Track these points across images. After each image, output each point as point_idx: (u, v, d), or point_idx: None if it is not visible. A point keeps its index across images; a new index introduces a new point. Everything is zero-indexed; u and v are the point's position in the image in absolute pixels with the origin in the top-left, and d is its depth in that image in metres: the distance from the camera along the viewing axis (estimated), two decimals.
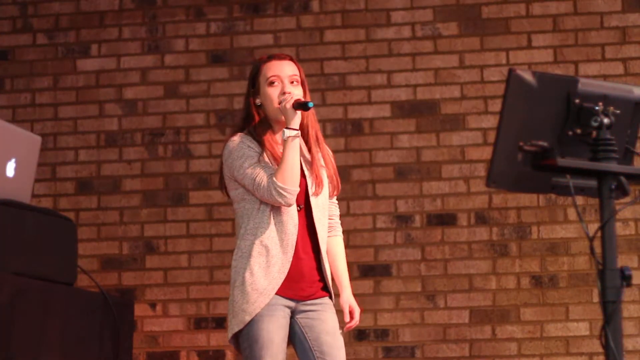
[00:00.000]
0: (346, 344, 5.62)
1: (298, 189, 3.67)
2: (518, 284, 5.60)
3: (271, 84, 3.76)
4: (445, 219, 5.69)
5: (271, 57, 3.83)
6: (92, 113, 6.02)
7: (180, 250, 5.85)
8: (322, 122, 5.79)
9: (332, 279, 3.88)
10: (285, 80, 3.76)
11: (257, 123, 3.79)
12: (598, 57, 5.72)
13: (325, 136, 5.73)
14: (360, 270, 5.66)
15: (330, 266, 3.87)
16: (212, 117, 5.92)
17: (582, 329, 5.53)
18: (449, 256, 5.65)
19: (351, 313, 3.83)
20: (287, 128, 3.66)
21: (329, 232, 3.89)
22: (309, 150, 3.82)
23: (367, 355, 5.61)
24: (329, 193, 3.85)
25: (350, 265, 5.66)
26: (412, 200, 5.72)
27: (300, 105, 3.68)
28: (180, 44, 6.01)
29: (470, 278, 5.62)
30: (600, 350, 3.59)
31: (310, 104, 3.68)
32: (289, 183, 3.63)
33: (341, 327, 3.83)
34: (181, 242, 5.86)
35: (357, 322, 3.86)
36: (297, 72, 3.80)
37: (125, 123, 5.98)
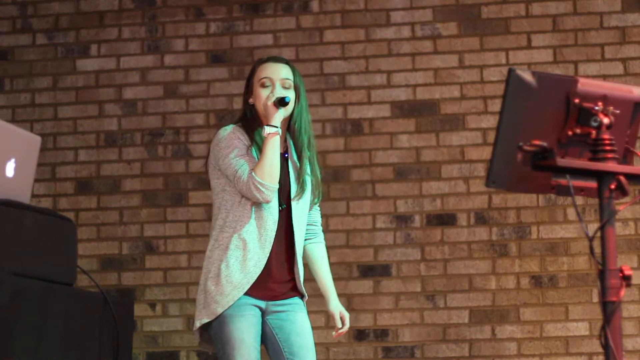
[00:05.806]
0: (346, 344, 5.64)
1: (276, 186, 3.69)
2: (518, 284, 5.60)
3: (262, 85, 3.81)
4: (444, 219, 5.68)
5: (268, 59, 3.88)
6: (92, 113, 6.02)
7: (180, 250, 5.85)
8: (322, 122, 5.80)
9: (310, 283, 3.89)
10: (276, 82, 3.79)
11: (249, 120, 3.82)
12: (598, 57, 5.72)
13: (324, 136, 5.78)
14: (360, 270, 5.66)
15: (314, 273, 3.93)
16: (212, 117, 5.92)
17: (581, 329, 5.53)
18: (449, 256, 5.65)
19: (342, 319, 3.87)
20: (267, 125, 3.69)
21: (310, 238, 3.93)
22: (299, 155, 3.84)
23: (366, 355, 5.61)
24: (310, 200, 3.88)
25: (350, 265, 5.68)
26: (412, 200, 5.72)
27: (279, 102, 3.70)
28: (179, 44, 6.01)
29: (470, 278, 5.62)
30: (600, 350, 3.59)
31: (287, 99, 3.70)
32: (267, 179, 3.65)
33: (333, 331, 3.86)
34: (181, 242, 5.86)
35: (347, 328, 3.89)
36: (290, 77, 3.82)
37: (125, 123, 5.98)
